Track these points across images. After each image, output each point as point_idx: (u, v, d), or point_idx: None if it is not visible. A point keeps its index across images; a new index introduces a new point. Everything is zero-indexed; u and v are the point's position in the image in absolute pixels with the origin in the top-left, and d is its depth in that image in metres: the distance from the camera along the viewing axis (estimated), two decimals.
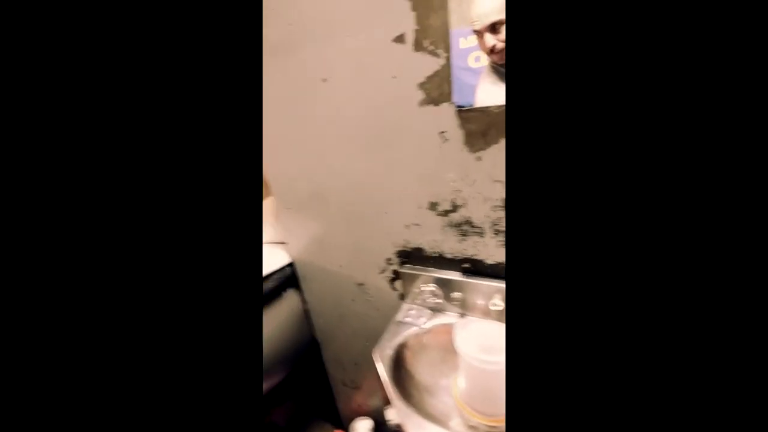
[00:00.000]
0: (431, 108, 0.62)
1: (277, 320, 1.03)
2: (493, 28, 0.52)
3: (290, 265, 1.02)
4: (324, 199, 0.85)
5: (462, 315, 0.76)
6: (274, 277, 1.00)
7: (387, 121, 0.68)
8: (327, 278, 0.98)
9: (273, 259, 1.03)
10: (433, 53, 0.58)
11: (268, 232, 1.20)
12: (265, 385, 1.05)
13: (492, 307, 0.69)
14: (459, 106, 0.60)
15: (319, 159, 0.80)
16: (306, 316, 1.11)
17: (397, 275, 0.83)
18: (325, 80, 0.70)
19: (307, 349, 1.14)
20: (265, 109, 0.82)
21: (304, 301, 1.09)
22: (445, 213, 0.70)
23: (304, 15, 0.67)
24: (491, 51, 0.53)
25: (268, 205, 1.27)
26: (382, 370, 0.67)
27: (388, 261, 0.83)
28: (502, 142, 0.57)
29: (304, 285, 1.06)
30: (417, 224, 0.74)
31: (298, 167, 0.84)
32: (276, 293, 1.01)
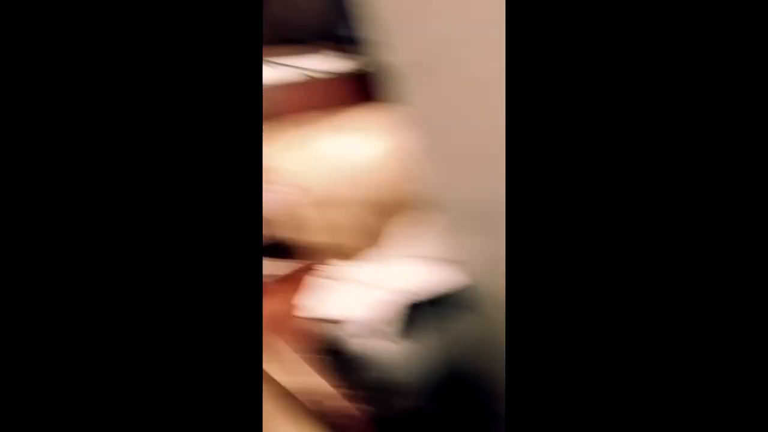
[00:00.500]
0: None
1: (443, 342, 1.00)
2: None
3: (463, 286, 0.98)
4: (503, 215, 0.78)
5: None
6: (445, 297, 0.98)
7: None
8: (499, 303, 0.90)
9: (445, 279, 1.01)
10: None
11: (440, 249, 1.18)
12: (412, 406, 1.03)
13: None
14: None
15: (494, 171, 0.74)
16: (475, 342, 1.05)
17: None
18: (489, 83, 0.65)
19: (469, 376, 1.09)
20: (429, 124, 0.80)
21: (475, 324, 1.03)
22: None
23: (453, 20, 0.63)
24: None
25: (434, 220, 1.25)
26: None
27: None
28: None
29: (475, 308, 1.00)
30: None
31: (473, 182, 0.80)
32: (444, 314, 0.99)
